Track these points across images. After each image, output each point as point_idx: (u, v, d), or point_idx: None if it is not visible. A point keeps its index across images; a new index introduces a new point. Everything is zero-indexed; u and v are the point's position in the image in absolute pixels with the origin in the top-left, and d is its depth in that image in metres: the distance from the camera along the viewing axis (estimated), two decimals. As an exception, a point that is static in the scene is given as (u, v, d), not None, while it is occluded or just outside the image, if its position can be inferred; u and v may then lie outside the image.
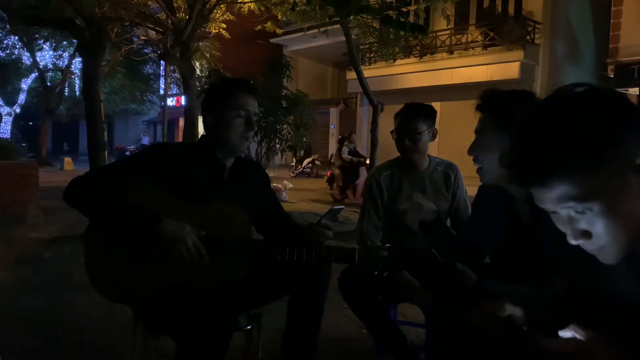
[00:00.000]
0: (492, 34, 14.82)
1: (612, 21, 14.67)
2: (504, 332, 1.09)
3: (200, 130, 8.73)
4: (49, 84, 19.58)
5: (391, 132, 2.40)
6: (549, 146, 0.82)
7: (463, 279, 1.49)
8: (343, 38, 6.73)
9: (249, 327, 2.03)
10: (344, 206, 1.98)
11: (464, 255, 1.84)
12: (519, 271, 1.55)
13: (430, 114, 2.40)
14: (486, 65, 14.75)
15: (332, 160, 10.74)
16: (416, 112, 2.37)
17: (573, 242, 0.89)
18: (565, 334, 0.86)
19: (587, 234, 0.87)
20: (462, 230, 2.11)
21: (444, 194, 2.43)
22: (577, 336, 0.85)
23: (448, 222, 2.49)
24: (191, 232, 1.68)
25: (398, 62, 16.51)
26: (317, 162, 17.28)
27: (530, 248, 1.55)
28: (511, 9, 15.35)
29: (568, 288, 1.15)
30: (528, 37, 14.46)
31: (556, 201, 0.86)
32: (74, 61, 18.53)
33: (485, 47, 15.02)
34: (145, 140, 27.35)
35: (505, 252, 1.67)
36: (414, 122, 2.34)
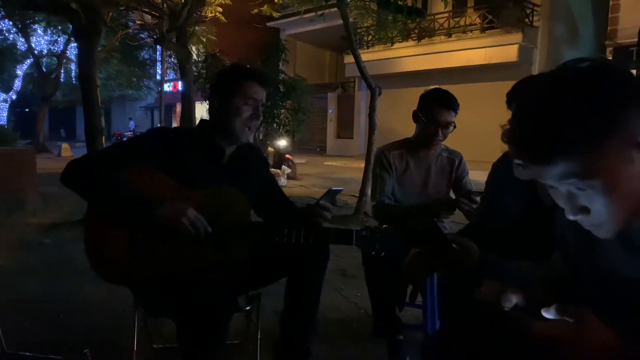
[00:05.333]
0: (490, 16, 14.70)
1: (611, 3, 14.56)
2: (504, 321, 1.09)
3: (198, 115, 8.74)
4: (44, 69, 19.44)
5: (415, 116, 2.41)
6: (554, 123, 0.81)
7: (467, 252, 1.44)
8: (340, 21, 6.66)
9: (248, 308, 2.06)
10: (342, 188, 1.99)
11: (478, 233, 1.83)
12: (531, 247, 1.53)
13: (458, 104, 2.41)
14: (484, 48, 14.67)
15: None
16: (453, 105, 2.37)
17: (571, 217, 0.90)
18: (549, 314, 0.86)
19: (585, 210, 0.87)
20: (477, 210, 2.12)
21: (447, 177, 2.52)
22: (564, 317, 0.85)
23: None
24: (191, 207, 1.69)
25: (396, 45, 16.42)
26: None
27: (544, 224, 1.53)
28: (510, -9, 15.21)
29: (563, 263, 1.16)
30: (527, 20, 14.35)
31: (558, 178, 0.85)
32: (69, 47, 18.38)
33: (483, 30, 14.92)
34: (132, 125, 27.55)
35: (518, 227, 1.67)
36: (447, 113, 2.35)
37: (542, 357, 0.86)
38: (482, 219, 1.92)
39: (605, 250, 0.97)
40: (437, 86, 2.64)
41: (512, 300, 1.05)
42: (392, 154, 2.49)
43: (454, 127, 2.41)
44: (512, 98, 1.69)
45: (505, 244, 1.77)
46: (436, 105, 2.36)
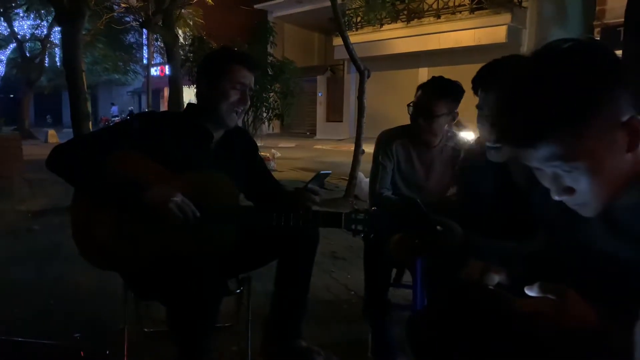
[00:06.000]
0: (479, -4, 14.66)
1: (599, -18, 14.54)
2: (487, 299, 1.10)
3: (186, 99, 8.66)
4: (28, 54, 19.08)
5: (408, 106, 2.27)
6: (537, 108, 0.81)
7: (451, 233, 1.45)
8: (329, 3, 6.60)
9: (238, 291, 2.07)
10: (330, 171, 2.00)
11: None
12: (508, 228, 1.55)
13: (455, 95, 2.21)
14: (473, 30, 14.64)
15: None
16: (438, 91, 2.19)
17: (556, 197, 0.90)
18: (532, 291, 0.87)
19: (570, 191, 0.88)
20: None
21: (450, 169, 2.38)
22: (546, 295, 0.86)
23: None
24: (178, 192, 1.68)
25: (385, 27, 16.33)
26: None
27: (519, 205, 1.54)
28: (498, -29, 15.14)
29: (546, 241, 1.18)
30: (515, 0, 14.31)
31: (543, 160, 0.86)
32: (53, 30, 18.04)
33: (472, 10, 14.87)
34: (115, 110, 27.51)
35: (494, 209, 1.68)
36: (432, 102, 2.18)
37: (525, 333, 0.88)
38: (460, 201, 1.93)
39: (589, 228, 0.98)
40: (426, 68, 2.60)
41: (495, 278, 1.07)
42: (395, 143, 2.37)
43: (453, 117, 2.26)
44: (478, 83, 1.64)
45: (484, 226, 1.80)
46: (421, 94, 2.24)
